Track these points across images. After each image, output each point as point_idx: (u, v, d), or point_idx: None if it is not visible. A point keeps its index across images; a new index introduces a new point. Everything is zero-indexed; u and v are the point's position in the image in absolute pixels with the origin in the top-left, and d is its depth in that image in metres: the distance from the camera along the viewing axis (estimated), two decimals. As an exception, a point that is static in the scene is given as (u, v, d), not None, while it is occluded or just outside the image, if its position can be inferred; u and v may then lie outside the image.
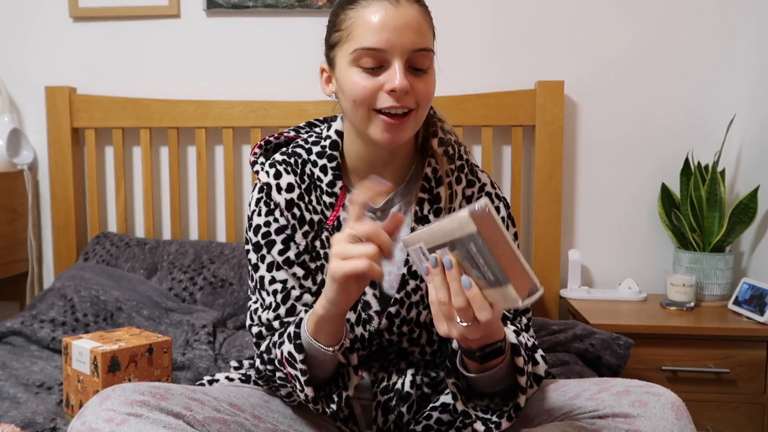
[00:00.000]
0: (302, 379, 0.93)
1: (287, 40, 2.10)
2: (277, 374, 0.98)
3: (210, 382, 1.13)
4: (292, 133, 1.12)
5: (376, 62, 0.93)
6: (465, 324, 0.77)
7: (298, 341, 0.93)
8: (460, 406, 0.93)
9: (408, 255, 0.88)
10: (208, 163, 2.12)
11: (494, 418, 0.92)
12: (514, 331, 0.99)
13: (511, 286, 0.70)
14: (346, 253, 0.82)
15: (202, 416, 0.88)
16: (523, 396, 0.91)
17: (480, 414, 0.94)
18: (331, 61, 1.00)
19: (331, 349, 0.92)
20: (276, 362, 0.97)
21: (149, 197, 2.11)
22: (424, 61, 0.95)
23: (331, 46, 0.99)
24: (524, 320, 1.06)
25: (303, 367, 0.93)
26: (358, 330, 1.03)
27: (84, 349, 1.22)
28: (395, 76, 0.92)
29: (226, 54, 2.12)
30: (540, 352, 1.01)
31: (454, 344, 0.95)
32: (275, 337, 0.99)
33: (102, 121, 2.08)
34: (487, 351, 0.88)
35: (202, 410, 0.89)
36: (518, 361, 0.90)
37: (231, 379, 1.13)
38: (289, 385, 0.98)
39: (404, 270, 1.02)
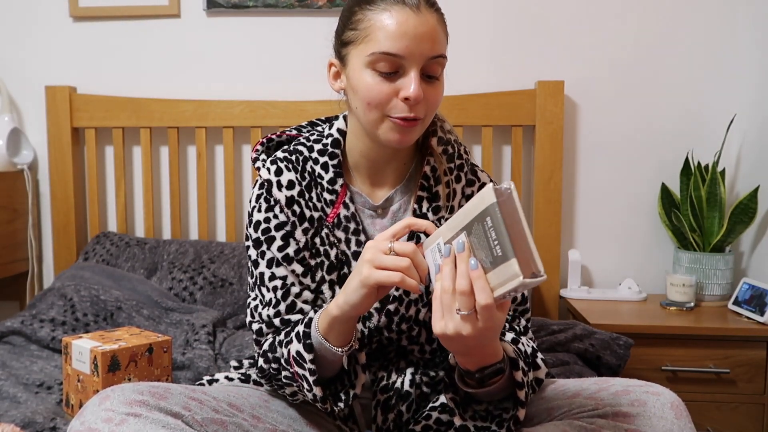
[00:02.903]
0: (311, 379, 0.93)
1: (287, 40, 2.10)
2: (283, 373, 0.98)
3: (210, 382, 1.13)
4: (294, 132, 1.12)
5: (392, 67, 0.93)
6: (464, 313, 0.77)
7: (308, 341, 0.93)
8: (458, 421, 0.93)
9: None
10: (208, 163, 2.12)
11: (493, 427, 0.92)
12: (513, 339, 0.99)
13: (515, 261, 0.72)
14: (381, 263, 0.84)
15: (200, 417, 0.88)
16: (523, 410, 0.91)
17: (479, 423, 0.94)
18: (342, 58, 0.99)
19: (341, 350, 0.92)
20: (282, 361, 0.97)
21: (149, 197, 2.11)
22: (437, 69, 0.96)
23: (344, 43, 0.98)
24: (523, 322, 1.06)
25: (312, 366, 0.93)
26: (358, 326, 1.03)
27: (84, 348, 1.22)
28: (411, 84, 0.92)
29: (226, 54, 2.12)
30: (540, 355, 1.01)
31: (451, 358, 0.95)
32: (281, 336, 0.99)
33: (102, 121, 2.08)
34: (486, 372, 0.88)
35: (201, 410, 0.89)
36: (517, 375, 0.90)
37: (231, 379, 1.13)
38: (295, 385, 0.98)
39: None
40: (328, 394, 0.97)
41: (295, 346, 0.94)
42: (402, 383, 1.04)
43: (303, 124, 1.14)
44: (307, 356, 0.93)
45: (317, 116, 1.17)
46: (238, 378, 1.13)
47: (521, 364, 0.91)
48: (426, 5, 0.94)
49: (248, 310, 1.06)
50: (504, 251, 0.73)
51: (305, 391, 0.96)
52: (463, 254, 0.78)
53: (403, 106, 0.94)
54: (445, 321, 0.79)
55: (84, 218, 2.16)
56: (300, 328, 0.95)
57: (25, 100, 2.17)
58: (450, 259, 0.79)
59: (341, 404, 0.96)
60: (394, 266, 0.84)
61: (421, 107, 0.95)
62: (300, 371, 0.94)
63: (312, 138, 1.07)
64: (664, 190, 1.98)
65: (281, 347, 0.97)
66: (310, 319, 0.95)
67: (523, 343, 0.99)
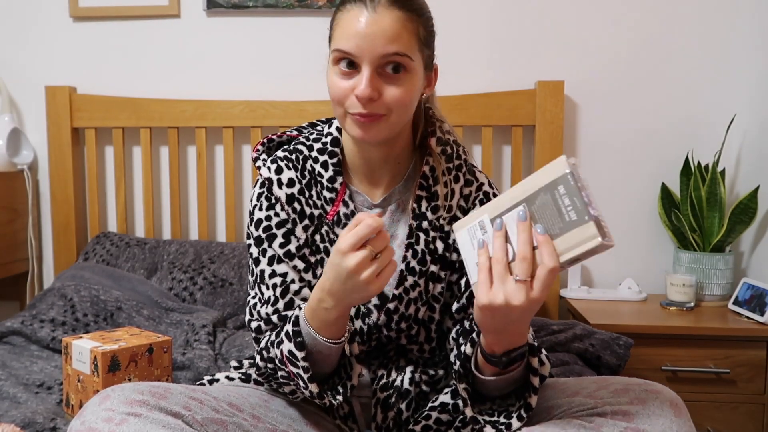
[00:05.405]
0: (305, 376, 0.93)
1: (287, 40, 2.10)
2: (279, 373, 0.98)
3: (210, 382, 1.13)
4: (295, 132, 1.13)
5: (349, 65, 0.95)
6: (519, 279, 0.79)
7: (298, 339, 0.93)
8: (469, 413, 0.93)
9: (454, 238, 0.90)
10: (208, 163, 2.12)
11: (502, 419, 0.92)
12: None
13: (592, 223, 0.75)
14: (377, 275, 0.86)
15: (201, 416, 0.88)
16: (535, 396, 0.91)
17: (487, 418, 0.94)
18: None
19: (336, 342, 0.93)
20: (276, 361, 0.97)
21: (149, 197, 2.11)
22: (398, 67, 0.94)
23: (328, 45, 1.02)
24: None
25: (305, 364, 0.93)
26: (358, 323, 1.04)
27: (84, 348, 1.22)
28: (361, 82, 0.93)
29: (226, 54, 2.12)
30: (543, 352, 1.02)
31: (467, 348, 0.95)
32: (272, 336, 0.99)
33: (102, 121, 2.08)
34: (513, 356, 0.88)
35: (201, 410, 0.89)
36: (533, 361, 0.91)
37: (231, 379, 1.13)
38: (292, 383, 0.98)
39: (402, 266, 1.03)
40: (326, 389, 0.98)
41: (287, 346, 0.94)
42: (402, 381, 1.04)
43: (303, 125, 1.15)
44: (299, 354, 0.93)
45: (317, 116, 1.17)
46: (239, 378, 1.13)
47: (537, 352, 0.92)
48: (386, 4, 0.93)
49: (247, 309, 1.06)
50: (579, 215, 0.76)
51: (302, 388, 0.96)
52: (525, 223, 0.80)
53: (358, 103, 0.94)
54: (494, 291, 0.80)
55: (84, 218, 2.16)
56: (288, 327, 0.95)
57: (25, 100, 2.17)
58: (501, 233, 0.82)
59: (339, 397, 0.97)
60: (388, 270, 0.86)
61: (379, 105, 0.94)
62: (294, 370, 0.94)
63: (312, 137, 1.08)
64: (664, 190, 1.98)
65: (274, 347, 0.98)
66: (297, 317, 0.95)
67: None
